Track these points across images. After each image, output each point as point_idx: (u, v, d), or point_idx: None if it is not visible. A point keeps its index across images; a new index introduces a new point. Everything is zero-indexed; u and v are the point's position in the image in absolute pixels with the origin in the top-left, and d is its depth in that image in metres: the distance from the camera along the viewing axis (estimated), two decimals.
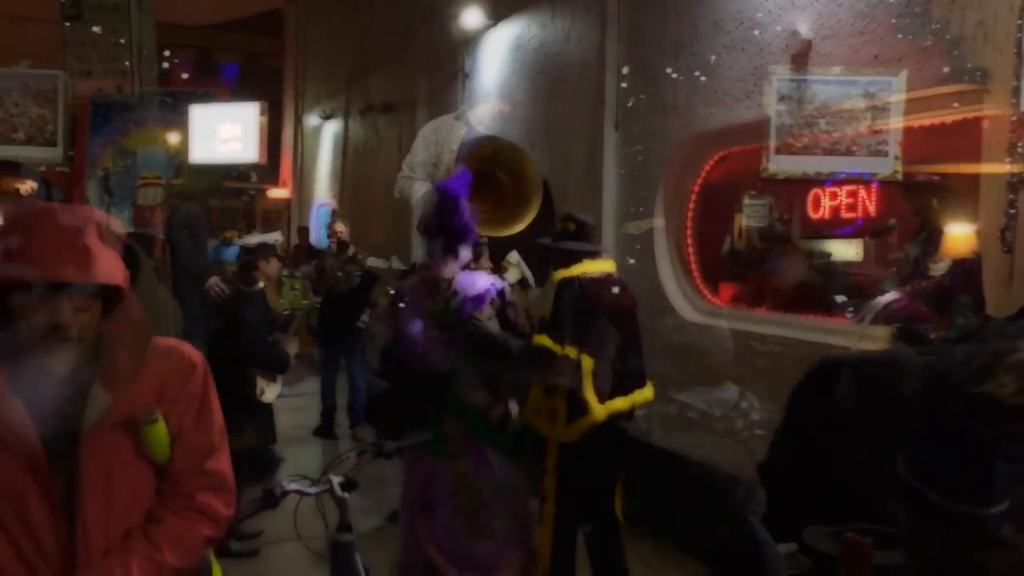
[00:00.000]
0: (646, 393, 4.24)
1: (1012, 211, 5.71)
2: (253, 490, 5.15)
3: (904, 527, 2.00)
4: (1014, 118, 5.59)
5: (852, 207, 4.62)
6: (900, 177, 6.55)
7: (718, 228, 6.09)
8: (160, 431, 1.95)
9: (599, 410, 4.03)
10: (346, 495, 2.86)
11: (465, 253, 4.06)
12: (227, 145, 19.69)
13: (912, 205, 5.36)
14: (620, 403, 4.11)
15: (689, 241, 5.81)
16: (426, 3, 10.01)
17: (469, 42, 8.84)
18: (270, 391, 5.32)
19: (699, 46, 5.48)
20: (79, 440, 1.84)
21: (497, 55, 8.41)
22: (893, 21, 4.46)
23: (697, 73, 5.50)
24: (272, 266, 5.62)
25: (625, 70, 6.27)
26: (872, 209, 5.18)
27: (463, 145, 6.85)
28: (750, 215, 8.50)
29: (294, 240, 15.29)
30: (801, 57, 4.65)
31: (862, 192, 4.58)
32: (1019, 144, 5.70)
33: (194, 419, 2.05)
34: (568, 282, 4.13)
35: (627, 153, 6.23)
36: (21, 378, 1.79)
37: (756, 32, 4.99)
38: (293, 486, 2.84)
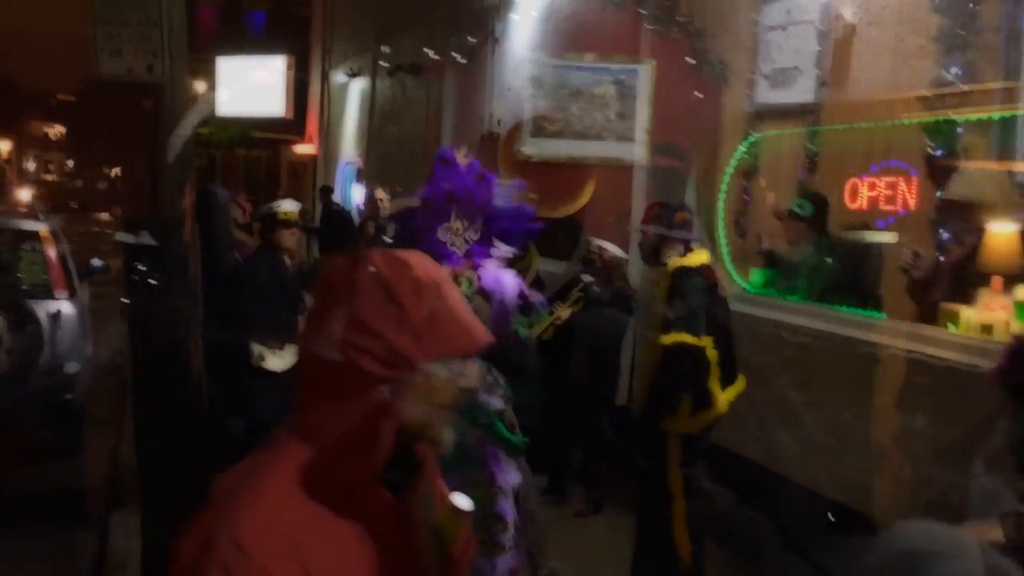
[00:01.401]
0: (741, 384, 4.22)
1: (746, 198, 5.87)
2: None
3: (617, 486, 2.12)
4: (750, 109, 5.74)
5: (891, 199, 4.52)
6: (646, 163, 6.76)
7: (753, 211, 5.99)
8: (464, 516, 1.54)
9: (723, 401, 4.04)
10: None
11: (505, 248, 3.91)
12: (253, 98, 19.68)
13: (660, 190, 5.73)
14: (730, 394, 4.12)
15: (720, 225, 5.72)
16: None
17: (500, 5, 8.68)
18: (274, 359, 5.15)
19: (739, 25, 5.33)
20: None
21: (528, 20, 8.26)
22: None
23: (736, 52, 5.36)
24: (283, 237, 5.30)
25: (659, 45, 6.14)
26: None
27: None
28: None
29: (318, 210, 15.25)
30: (845, 42, 4.50)
31: (902, 184, 4.48)
32: (751, 133, 5.80)
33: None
34: (687, 272, 4.10)
35: (660, 129, 6.12)
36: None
37: (800, 15, 4.84)
38: None
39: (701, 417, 4.01)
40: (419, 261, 1.37)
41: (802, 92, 5.29)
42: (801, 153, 5.40)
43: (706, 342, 3.98)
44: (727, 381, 4.11)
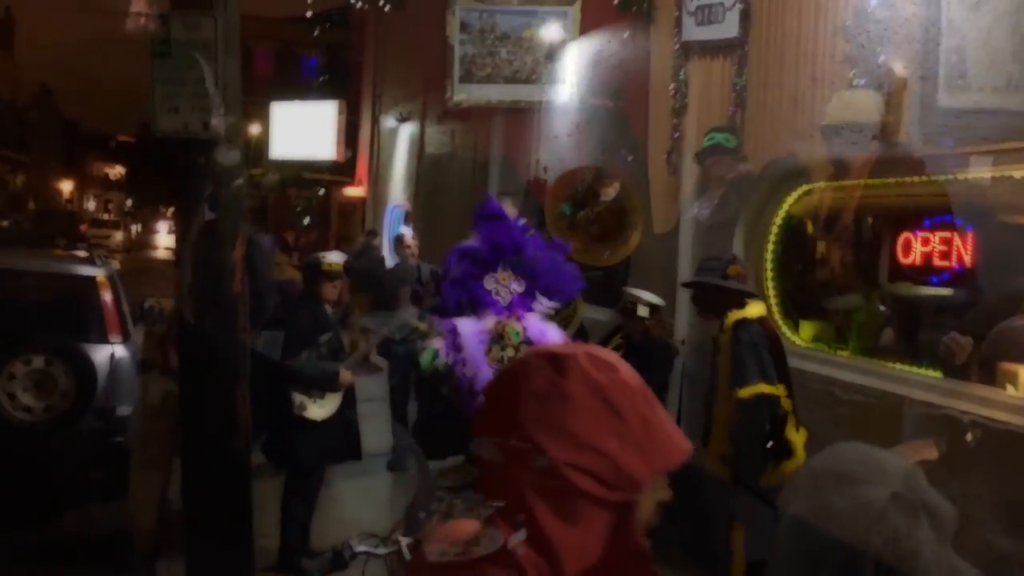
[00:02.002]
0: (804, 435, 4.16)
1: (676, 135, 5.90)
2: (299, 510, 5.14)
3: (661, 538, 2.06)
4: (676, 46, 5.80)
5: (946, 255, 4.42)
6: (577, 104, 6.87)
7: (801, 263, 5.92)
8: None
9: (802, 451, 3.98)
10: None
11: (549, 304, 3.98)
12: (305, 141, 20.10)
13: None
14: (801, 440, 4.08)
15: (768, 276, 5.65)
16: None
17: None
18: (315, 408, 5.11)
19: (784, 77, 5.31)
20: None
21: (576, 70, 8.31)
22: None
23: (782, 104, 5.34)
24: (326, 289, 5.25)
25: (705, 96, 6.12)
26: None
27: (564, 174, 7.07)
28: (429, 142, 8.70)
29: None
30: (897, 94, 4.45)
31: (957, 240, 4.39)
32: (681, 71, 5.81)
33: None
34: (748, 323, 4.10)
35: (706, 182, 6.09)
36: None
37: (846, 67, 4.80)
38: (362, 547, 2.82)
39: (784, 467, 3.95)
40: (621, 362, 1.20)
41: (727, 28, 5.45)
42: (729, 90, 5.59)
43: (780, 390, 3.96)
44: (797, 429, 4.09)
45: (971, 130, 4.04)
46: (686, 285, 4.75)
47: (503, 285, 4.12)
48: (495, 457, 1.12)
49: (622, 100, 6.90)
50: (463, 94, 6.35)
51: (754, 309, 4.19)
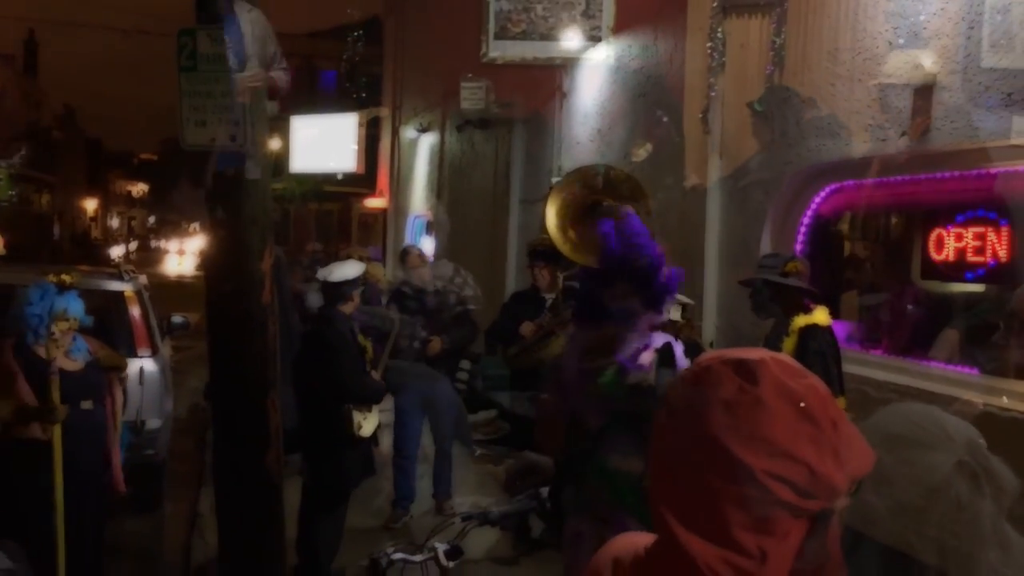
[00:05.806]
0: None
1: (713, 94, 5.83)
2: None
3: None
4: (715, 3, 5.86)
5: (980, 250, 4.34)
6: (612, 61, 6.74)
7: (829, 262, 5.86)
8: None
9: None
10: (450, 564, 2.83)
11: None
12: (326, 154, 20.23)
13: None
14: None
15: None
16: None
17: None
18: (367, 424, 5.10)
19: (811, 75, 5.26)
20: None
21: (596, 75, 8.30)
22: None
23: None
24: (355, 302, 5.26)
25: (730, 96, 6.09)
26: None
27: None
28: (467, 97, 8.67)
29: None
30: (925, 91, 4.40)
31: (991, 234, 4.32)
32: (719, 29, 5.77)
33: None
34: (817, 331, 3.99)
35: (732, 183, 6.05)
36: None
37: (875, 63, 4.75)
38: (399, 555, 2.82)
39: None
40: (801, 366, 1.17)
41: None
42: (767, 48, 5.50)
43: (843, 403, 3.89)
44: None
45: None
46: (743, 283, 4.58)
47: None
48: (684, 469, 1.09)
49: (657, 58, 6.87)
50: (498, 51, 6.27)
51: (822, 315, 4.05)
